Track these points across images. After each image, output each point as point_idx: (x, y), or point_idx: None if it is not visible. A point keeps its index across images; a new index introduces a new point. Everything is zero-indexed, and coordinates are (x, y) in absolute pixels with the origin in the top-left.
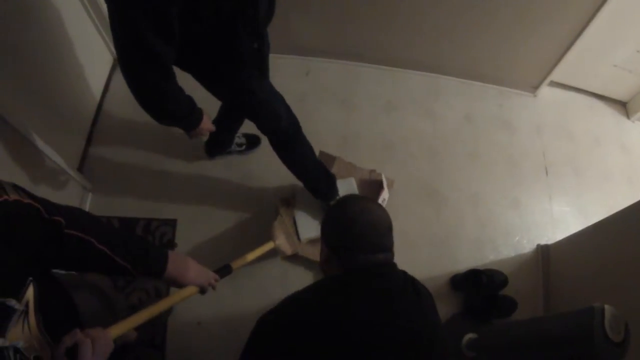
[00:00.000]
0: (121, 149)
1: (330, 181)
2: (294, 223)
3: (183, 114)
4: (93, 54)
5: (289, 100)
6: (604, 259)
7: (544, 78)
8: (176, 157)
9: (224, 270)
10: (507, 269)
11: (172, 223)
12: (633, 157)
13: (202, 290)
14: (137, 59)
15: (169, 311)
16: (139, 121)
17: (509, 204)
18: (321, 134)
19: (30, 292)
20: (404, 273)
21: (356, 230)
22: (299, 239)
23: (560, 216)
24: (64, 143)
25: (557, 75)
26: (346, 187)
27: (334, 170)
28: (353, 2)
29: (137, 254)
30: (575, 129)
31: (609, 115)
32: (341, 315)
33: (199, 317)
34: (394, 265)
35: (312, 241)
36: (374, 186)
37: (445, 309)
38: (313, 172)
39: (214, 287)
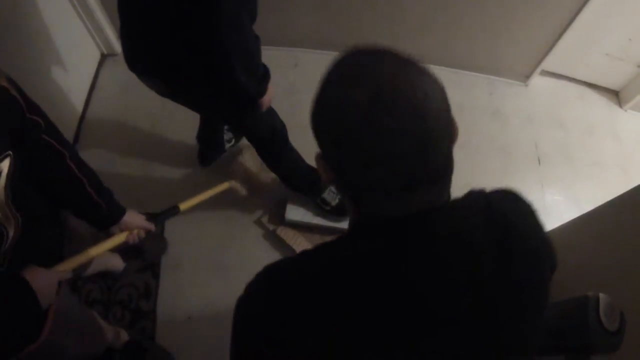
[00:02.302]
0: (109, 145)
1: (316, 181)
2: (285, 204)
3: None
4: (79, 50)
5: (278, 92)
6: (597, 247)
7: (535, 67)
8: (166, 155)
9: (170, 212)
10: None
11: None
12: (626, 146)
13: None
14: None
15: (163, 248)
16: (127, 119)
17: None
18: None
19: (5, 164)
20: (480, 212)
21: (370, 150)
22: (284, 219)
23: (552, 205)
24: None
25: (548, 64)
26: None
27: None
28: None
29: (102, 187)
30: (568, 118)
31: (601, 104)
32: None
33: (189, 312)
34: (455, 203)
35: (295, 225)
36: None
37: None
38: (299, 178)
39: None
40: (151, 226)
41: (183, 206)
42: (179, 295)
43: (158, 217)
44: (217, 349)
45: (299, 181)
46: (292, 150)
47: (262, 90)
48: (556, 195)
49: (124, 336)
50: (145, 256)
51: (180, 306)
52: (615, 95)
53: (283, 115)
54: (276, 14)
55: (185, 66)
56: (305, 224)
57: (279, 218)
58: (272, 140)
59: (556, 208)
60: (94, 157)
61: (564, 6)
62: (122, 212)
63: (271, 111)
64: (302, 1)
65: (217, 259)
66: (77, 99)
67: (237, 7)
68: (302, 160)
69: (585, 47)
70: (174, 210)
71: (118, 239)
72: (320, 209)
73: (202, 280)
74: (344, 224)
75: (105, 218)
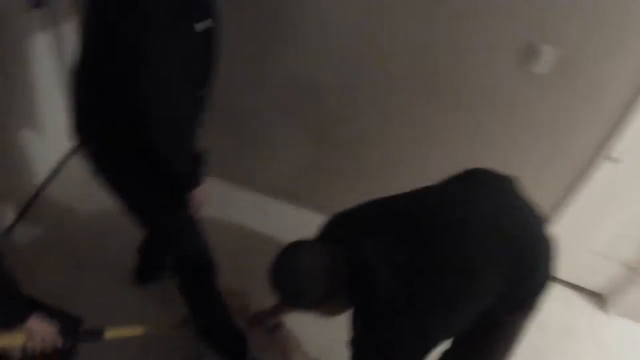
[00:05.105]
0: (54, 235)
1: (241, 345)
2: None
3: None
4: (50, 135)
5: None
6: None
7: None
8: (105, 265)
9: (91, 335)
10: None
11: (76, 321)
12: (609, 355)
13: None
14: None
15: None
16: (78, 219)
17: None
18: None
19: None
20: None
21: None
22: None
23: None
24: None
25: None
26: None
27: (274, 340)
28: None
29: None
30: (545, 320)
31: (584, 308)
32: None
33: None
34: None
35: None
36: None
37: None
38: (220, 333)
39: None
40: (57, 341)
41: (109, 334)
42: None
43: (73, 334)
44: None
45: (218, 337)
46: (218, 295)
47: (194, 177)
48: None
49: None
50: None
51: None
52: (600, 299)
53: (237, 255)
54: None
55: (108, 129)
56: None
57: None
58: (197, 267)
59: None
60: (34, 239)
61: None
62: (25, 314)
63: (201, 235)
64: (283, 153)
65: None
66: (41, 171)
67: (164, 61)
68: (229, 314)
69: (570, 242)
70: (96, 335)
71: (10, 339)
72: None
73: None
74: None
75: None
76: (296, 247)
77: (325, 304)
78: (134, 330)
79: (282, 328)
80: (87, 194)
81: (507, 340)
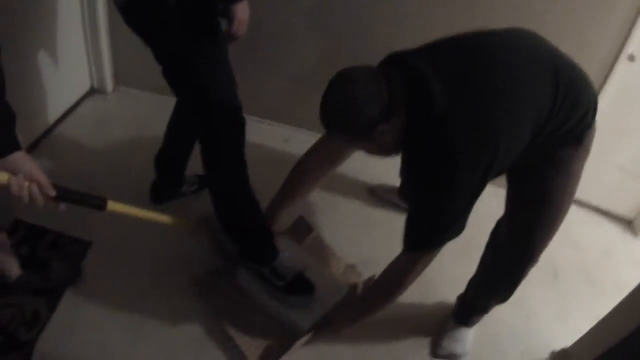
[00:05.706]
0: (63, 166)
1: (269, 239)
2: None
3: None
4: (74, 71)
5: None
6: None
7: None
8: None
9: (92, 199)
10: None
11: (84, 245)
12: None
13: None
14: None
15: (74, 276)
16: (88, 154)
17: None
18: None
19: None
20: None
21: None
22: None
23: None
24: None
25: None
26: (332, 294)
27: (304, 246)
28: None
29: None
30: (582, 240)
31: (614, 232)
32: None
33: None
34: None
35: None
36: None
37: None
38: (245, 222)
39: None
40: (49, 187)
41: (112, 206)
42: (69, 339)
43: (70, 192)
44: None
45: (243, 225)
46: (245, 174)
47: None
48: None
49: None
50: (49, 276)
51: (66, 352)
52: (629, 224)
53: (265, 184)
54: (268, 89)
55: None
56: (252, 297)
57: (206, 285)
58: (227, 123)
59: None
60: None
61: None
62: (15, 147)
63: (233, 83)
64: (299, 83)
65: (129, 312)
66: (52, 110)
67: None
68: (256, 203)
69: (598, 162)
70: (96, 201)
71: None
72: (268, 283)
73: (104, 332)
74: (296, 314)
75: None
76: (351, 68)
77: (380, 126)
78: (144, 213)
79: (313, 232)
80: (99, 134)
81: (565, 175)
